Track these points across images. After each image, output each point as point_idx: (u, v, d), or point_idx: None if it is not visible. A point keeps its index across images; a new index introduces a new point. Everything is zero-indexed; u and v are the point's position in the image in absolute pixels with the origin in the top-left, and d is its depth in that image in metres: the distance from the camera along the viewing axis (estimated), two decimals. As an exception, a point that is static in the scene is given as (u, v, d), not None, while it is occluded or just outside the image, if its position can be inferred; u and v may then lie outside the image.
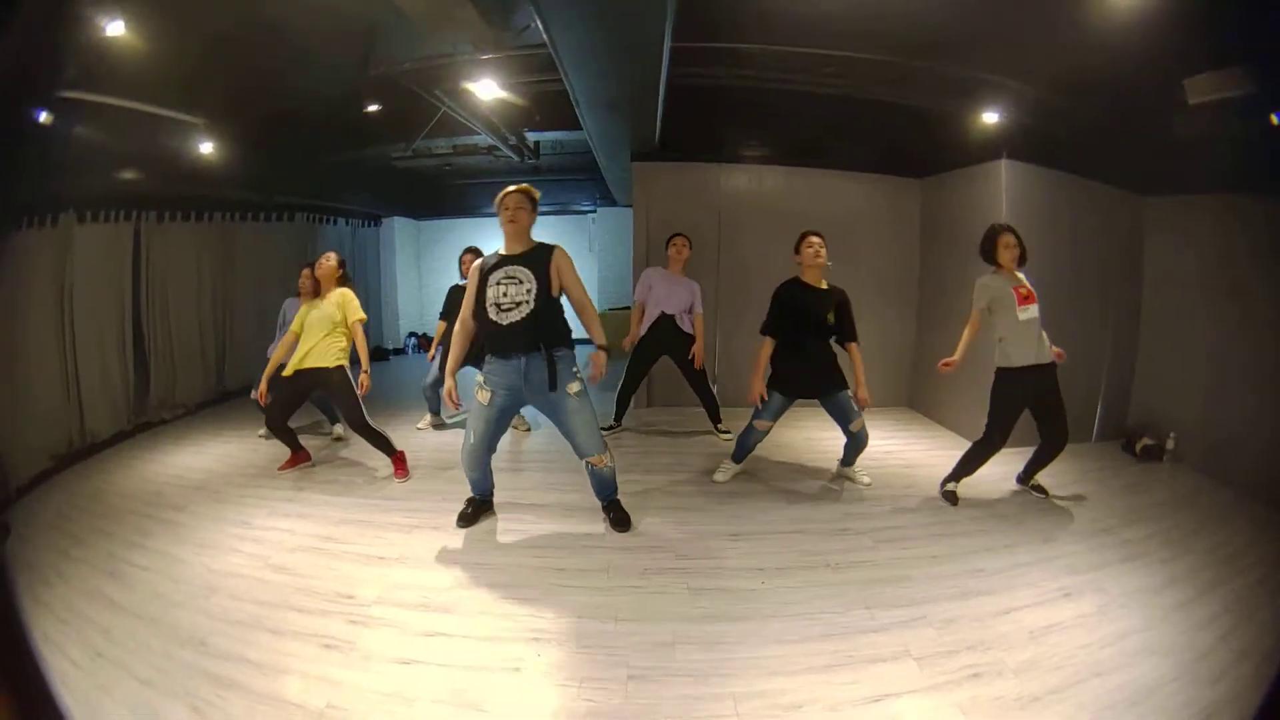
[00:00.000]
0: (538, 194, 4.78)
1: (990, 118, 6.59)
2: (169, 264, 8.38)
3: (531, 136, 9.82)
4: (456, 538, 4.77)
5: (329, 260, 6.14)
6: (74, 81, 5.37)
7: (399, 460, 6.11)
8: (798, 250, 5.70)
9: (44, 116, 4.97)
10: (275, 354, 6.15)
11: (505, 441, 6.98)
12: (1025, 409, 5.38)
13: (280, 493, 5.69)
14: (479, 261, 4.74)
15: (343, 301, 6.02)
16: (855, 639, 3.53)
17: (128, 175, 7.47)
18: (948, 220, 7.86)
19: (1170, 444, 6.82)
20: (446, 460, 6.36)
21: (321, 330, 5.90)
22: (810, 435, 7.34)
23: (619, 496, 5.08)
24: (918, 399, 8.64)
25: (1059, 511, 5.37)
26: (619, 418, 7.63)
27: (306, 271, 6.92)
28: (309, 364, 5.88)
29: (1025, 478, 5.73)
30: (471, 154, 10.17)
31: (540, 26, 4.35)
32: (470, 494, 5.12)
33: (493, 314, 4.48)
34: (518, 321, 4.44)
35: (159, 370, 8.24)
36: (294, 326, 6.02)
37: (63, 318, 6.76)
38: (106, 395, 7.33)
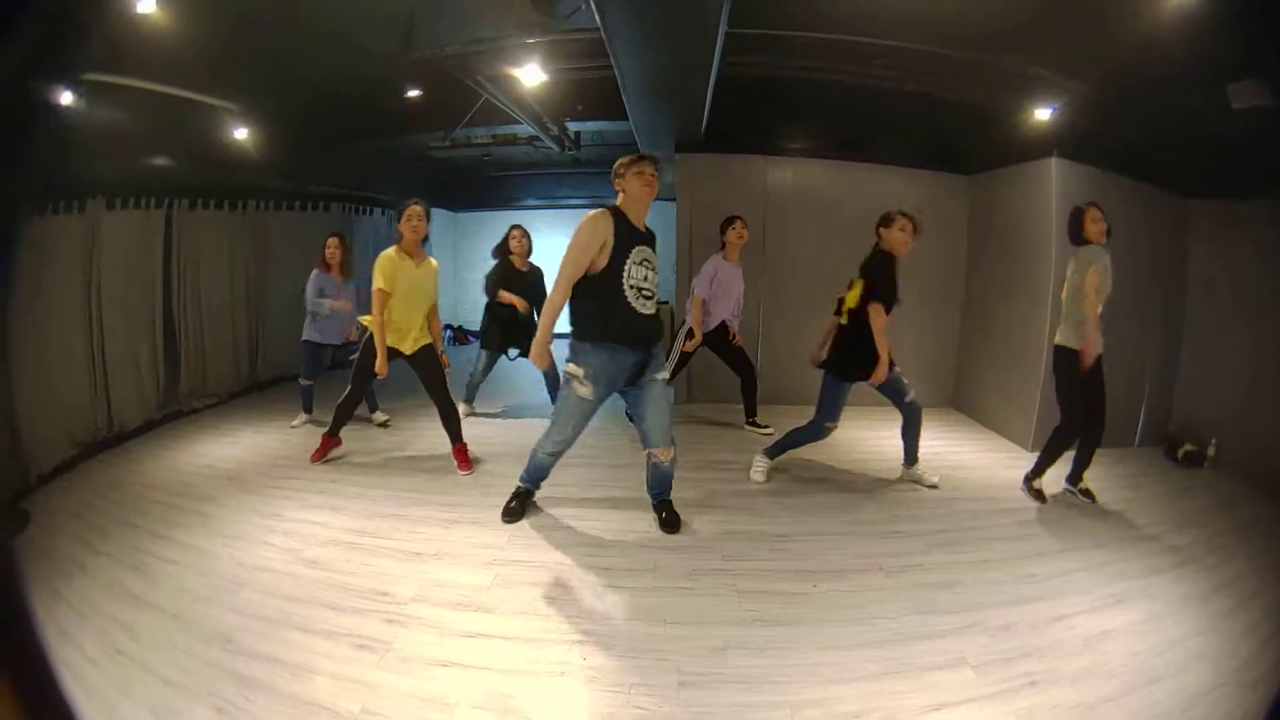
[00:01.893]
0: None
1: (1042, 114, 6.48)
2: (201, 252, 8.36)
3: (572, 127, 9.73)
4: (497, 534, 4.68)
5: (419, 216, 5.65)
6: (101, 63, 5.32)
7: (462, 451, 5.99)
8: (888, 225, 5.45)
9: (69, 97, 4.93)
10: (378, 322, 5.67)
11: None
12: (1089, 395, 5.35)
13: (314, 485, 5.61)
14: (603, 215, 4.19)
15: (437, 279, 5.88)
16: (910, 645, 3.46)
17: (159, 161, 7.44)
18: (995, 217, 7.77)
19: (1211, 450, 6.76)
20: (483, 453, 6.28)
21: (425, 304, 5.79)
22: (855, 435, 7.20)
23: (670, 497, 4.89)
24: (962, 400, 8.52)
25: (1107, 517, 5.31)
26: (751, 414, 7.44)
27: (334, 241, 6.88)
28: (424, 341, 5.81)
29: (1074, 479, 5.62)
30: (511, 144, 10.04)
31: (594, 8, 4.27)
32: (519, 485, 4.96)
33: (632, 298, 4.21)
34: (652, 315, 4.32)
35: (190, 359, 8.21)
36: (385, 287, 5.54)
37: (90, 303, 6.72)
38: (135, 383, 7.30)
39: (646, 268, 4.23)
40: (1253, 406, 6.40)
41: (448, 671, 3.17)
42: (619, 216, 4.21)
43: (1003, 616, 3.75)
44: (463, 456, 5.95)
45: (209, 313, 8.51)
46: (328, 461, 6.14)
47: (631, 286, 4.17)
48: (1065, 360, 5.30)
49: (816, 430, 5.63)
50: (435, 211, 5.62)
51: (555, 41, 5.76)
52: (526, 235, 7.39)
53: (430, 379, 5.86)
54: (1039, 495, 5.50)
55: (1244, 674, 3.31)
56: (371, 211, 11.91)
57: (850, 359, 5.48)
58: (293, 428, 7.33)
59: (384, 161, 10.75)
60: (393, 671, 3.17)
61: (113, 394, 6.90)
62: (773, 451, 5.86)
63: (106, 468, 6.22)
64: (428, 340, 5.83)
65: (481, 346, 7.50)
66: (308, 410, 7.39)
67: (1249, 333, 6.51)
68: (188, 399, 8.07)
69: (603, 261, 4.15)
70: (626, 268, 4.16)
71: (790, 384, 7.71)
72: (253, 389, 9.25)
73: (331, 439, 6.22)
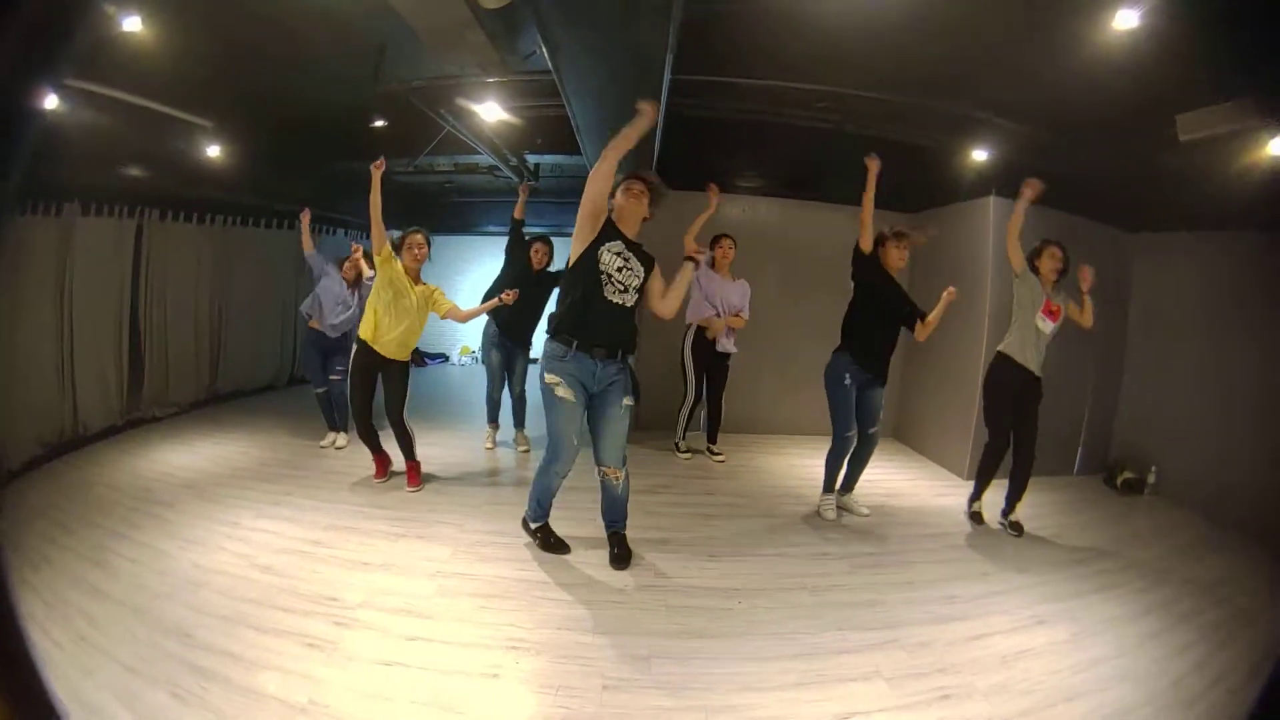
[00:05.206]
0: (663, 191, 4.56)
1: (980, 155, 6.68)
2: (170, 263, 8.40)
3: (532, 159, 9.82)
4: (441, 547, 4.79)
5: (419, 244, 5.85)
6: (85, 71, 5.40)
7: (414, 468, 6.09)
8: (882, 244, 5.55)
9: (52, 102, 5.06)
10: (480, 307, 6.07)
11: (491, 457, 7.03)
12: (1010, 411, 5.49)
13: (269, 495, 5.70)
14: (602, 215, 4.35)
15: (434, 299, 5.87)
16: (827, 659, 3.60)
17: (134, 172, 7.51)
18: (936, 255, 7.84)
19: (1151, 478, 6.93)
20: (434, 473, 6.39)
21: (408, 322, 5.77)
22: (792, 461, 7.42)
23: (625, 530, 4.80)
24: (903, 430, 8.64)
25: (1036, 542, 5.45)
26: (684, 435, 7.41)
27: (357, 246, 6.86)
28: (392, 354, 5.80)
29: (1007, 511, 5.68)
30: (473, 173, 10.16)
31: (545, 55, 4.40)
32: (537, 521, 4.85)
33: (607, 288, 4.23)
34: (622, 309, 4.27)
35: (153, 368, 8.23)
36: (385, 294, 5.69)
37: (61, 306, 6.80)
38: (100, 388, 7.36)
39: (625, 261, 4.26)
40: (1193, 435, 6.60)
41: (390, 670, 3.32)
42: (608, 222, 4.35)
43: (922, 634, 3.90)
44: (412, 473, 6.05)
45: (174, 324, 8.55)
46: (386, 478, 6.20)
47: (605, 274, 4.22)
48: (992, 364, 5.56)
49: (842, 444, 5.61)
50: (396, 235, 5.65)
51: (514, 81, 5.89)
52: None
53: (392, 397, 5.89)
54: (977, 519, 5.70)
55: (1175, 692, 3.45)
56: (335, 232, 11.92)
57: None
58: (322, 446, 7.29)
59: (350, 184, 10.67)
60: (339, 669, 3.31)
61: (79, 397, 6.98)
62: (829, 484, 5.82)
63: (70, 469, 6.30)
64: (403, 358, 5.89)
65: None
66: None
67: (1189, 362, 6.70)
68: (150, 407, 8.11)
69: (579, 248, 4.29)
70: (600, 255, 4.22)
71: (743, 413, 7.82)
72: (212, 401, 9.25)
73: (382, 457, 6.19)
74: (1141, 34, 4.39)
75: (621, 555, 4.62)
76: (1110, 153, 6.05)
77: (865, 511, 5.80)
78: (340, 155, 8.99)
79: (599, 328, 4.28)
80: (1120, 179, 6.49)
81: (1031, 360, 5.40)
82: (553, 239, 7.20)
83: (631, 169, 4.54)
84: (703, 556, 4.84)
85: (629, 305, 4.32)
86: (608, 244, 4.25)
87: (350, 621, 3.76)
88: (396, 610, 3.90)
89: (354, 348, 5.95)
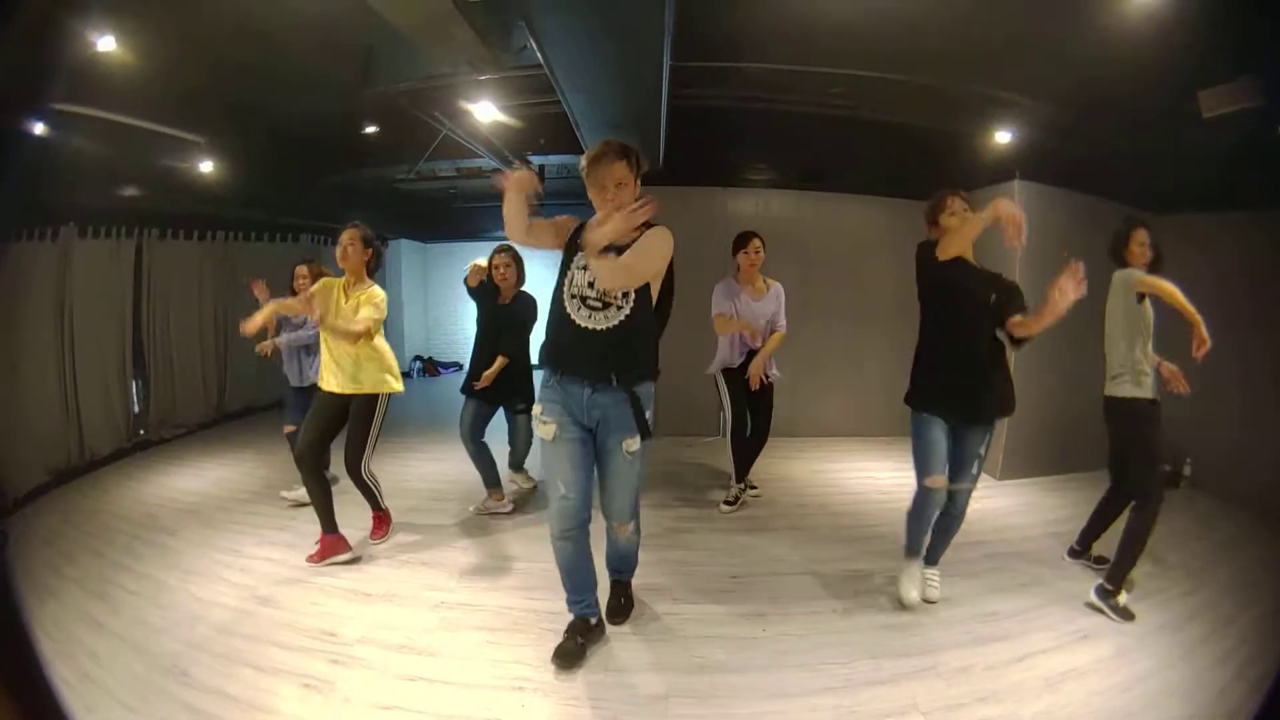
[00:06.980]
0: (644, 163, 3.48)
1: (1002, 137, 6.47)
2: (171, 282, 8.45)
3: (536, 160, 9.55)
4: (447, 575, 4.64)
5: (351, 241, 4.81)
6: (69, 94, 5.34)
7: (380, 519, 5.31)
8: (936, 221, 4.44)
9: (39, 128, 4.93)
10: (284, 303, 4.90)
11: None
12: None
13: (273, 520, 5.63)
14: (570, 219, 3.55)
15: (362, 300, 4.77)
16: (859, 692, 3.39)
17: (130, 192, 7.50)
18: None
19: (1187, 470, 6.78)
20: (442, 492, 6.27)
21: (349, 341, 4.64)
22: (816, 467, 7.21)
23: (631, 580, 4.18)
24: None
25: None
26: (741, 476, 5.97)
27: (302, 270, 5.97)
28: (343, 388, 4.77)
29: (1082, 548, 4.96)
30: (476, 177, 9.93)
31: (535, 47, 4.24)
32: (570, 612, 3.81)
33: (572, 309, 3.38)
34: (604, 331, 3.33)
35: (159, 389, 8.29)
36: (319, 305, 4.53)
37: (62, 331, 6.83)
38: (106, 412, 7.38)
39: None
40: (1228, 423, 6.42)
41: (389, 714, 3.17)
42: (584, 224, 3.45)
43: (960, 658, 3.69)
44: (378, 524, 5.30)
45: (178, 343, 8.60)
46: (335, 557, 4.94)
47: (572, 294, 3.38)
48: (1139, 411, 4.62)
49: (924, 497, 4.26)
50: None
51: (510, 77, 5.74)
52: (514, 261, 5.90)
53: (349, 434, 4.94)
54: (1127, 614, 4.16)
55: (1219, 704, 3.27)
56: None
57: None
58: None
59: (352, 193, 10.62)
60: (335, 712, 3.19)
61: (84, 422, 6.99)
62: (914, 545, 4.42)
63: (77, 495, 6.30)
64: (362, 389, 4.82)
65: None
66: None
67: (1222, 348, 6.43)
68: (156, 429, 8.13)
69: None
70: (569, 274, 3.43)
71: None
72: (220, 420, 9.28)
73: (334, 539, 4.90)
74: (1164, 6, 4.24)
75: (620, 608, 4.07)
76: (1135, 130, 5.90)
77: (935, 595, 4.45)
78: (336, 164, 8.90)
79: (578, 357, 3.43)
80: (1147, 157, 6.29)
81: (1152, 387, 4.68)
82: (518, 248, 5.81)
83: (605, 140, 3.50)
84: (724, 578, 4.64)
85: (613, 324, 3.34)
86: (577, 256, 3.44)
87: (348, 659, 3.64)
88: (396, 646, 3.76)
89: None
